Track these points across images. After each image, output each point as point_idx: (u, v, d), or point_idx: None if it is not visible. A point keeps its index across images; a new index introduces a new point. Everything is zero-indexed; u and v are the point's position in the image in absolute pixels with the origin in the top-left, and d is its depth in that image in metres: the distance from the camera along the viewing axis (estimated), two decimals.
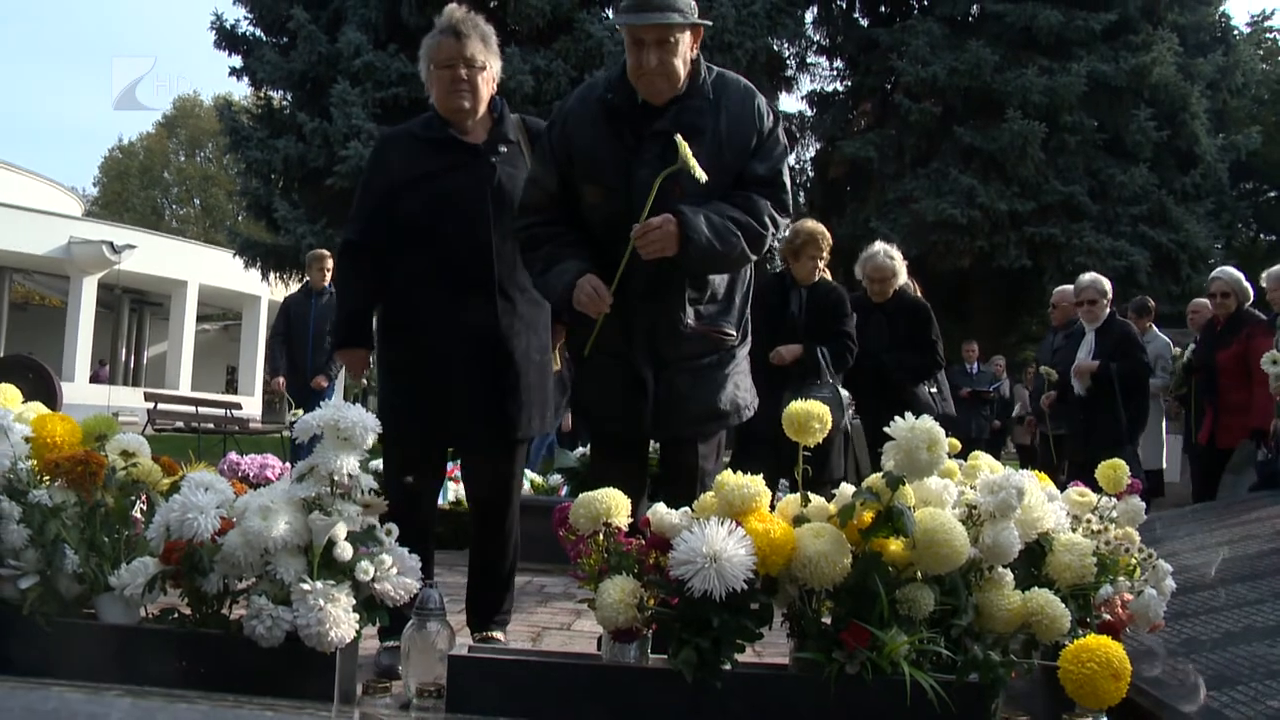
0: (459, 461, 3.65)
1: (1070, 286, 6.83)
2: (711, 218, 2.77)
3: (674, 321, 2.88)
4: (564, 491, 6.12)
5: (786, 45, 16.12)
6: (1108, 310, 6.41)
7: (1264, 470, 5.93)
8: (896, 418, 2.21)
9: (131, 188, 49.16)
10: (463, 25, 3.09)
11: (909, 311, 5.56)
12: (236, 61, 16.23)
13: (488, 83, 3.14)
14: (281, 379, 8.10)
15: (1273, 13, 32.26)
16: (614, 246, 2.83)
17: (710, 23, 3.04)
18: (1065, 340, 6.95)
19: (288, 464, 3.08)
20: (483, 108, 3.15)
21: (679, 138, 2.68)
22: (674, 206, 2.75)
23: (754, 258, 2.93)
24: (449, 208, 3.05)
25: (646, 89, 2.87)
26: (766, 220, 2.87)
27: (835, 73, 17.18)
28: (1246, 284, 6.47)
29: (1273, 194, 21.08)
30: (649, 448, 3.23)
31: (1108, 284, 6.47)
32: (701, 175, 2.66)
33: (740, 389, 3.03)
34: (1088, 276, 6.55)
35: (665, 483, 3.02)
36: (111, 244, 26.68)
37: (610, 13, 14.86)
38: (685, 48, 2.84)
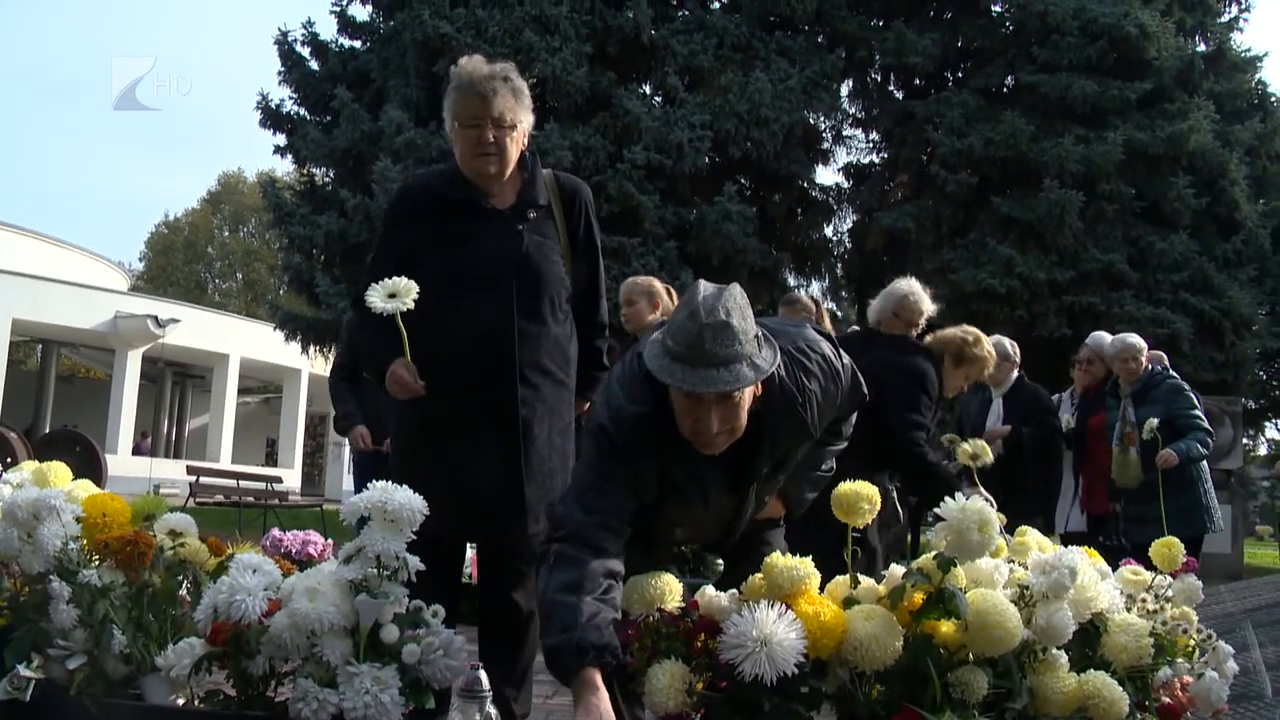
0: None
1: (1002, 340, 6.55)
2: (813, 478, 2.71)
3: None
4: None
5: (823, 119, 16.24)
6: (1014, 374, 6.37)
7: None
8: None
9: (176, 262, 50.07)
10: (490, 80, 2.78)
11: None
12: (280, 139, 16.58)
13: (517, 142, 2.86)
14: (363, 428, 5.96)
15: None
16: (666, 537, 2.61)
17: (772, 370, 2.31)
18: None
19: (330, 541, 3.06)
20: (511, 169, 2.89)
21: None
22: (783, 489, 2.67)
23: None
24: (468, 279, 2.82)
25: (710, 450, 2.33)
26: (849, 435, 2.79)
27: (871, 145, 17.26)
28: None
29: None
30: None
31: (1011, 345, 6.36)
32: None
33: None
34: (991, 339, 6.42)
35: (735, 569, 2.77)
36: (156, 318, 27.15)
37: (648, 88, 15.11)
38: (750, 392, 2.30)
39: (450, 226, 2.87)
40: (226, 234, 52.36)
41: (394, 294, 2.71)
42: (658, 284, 4.84)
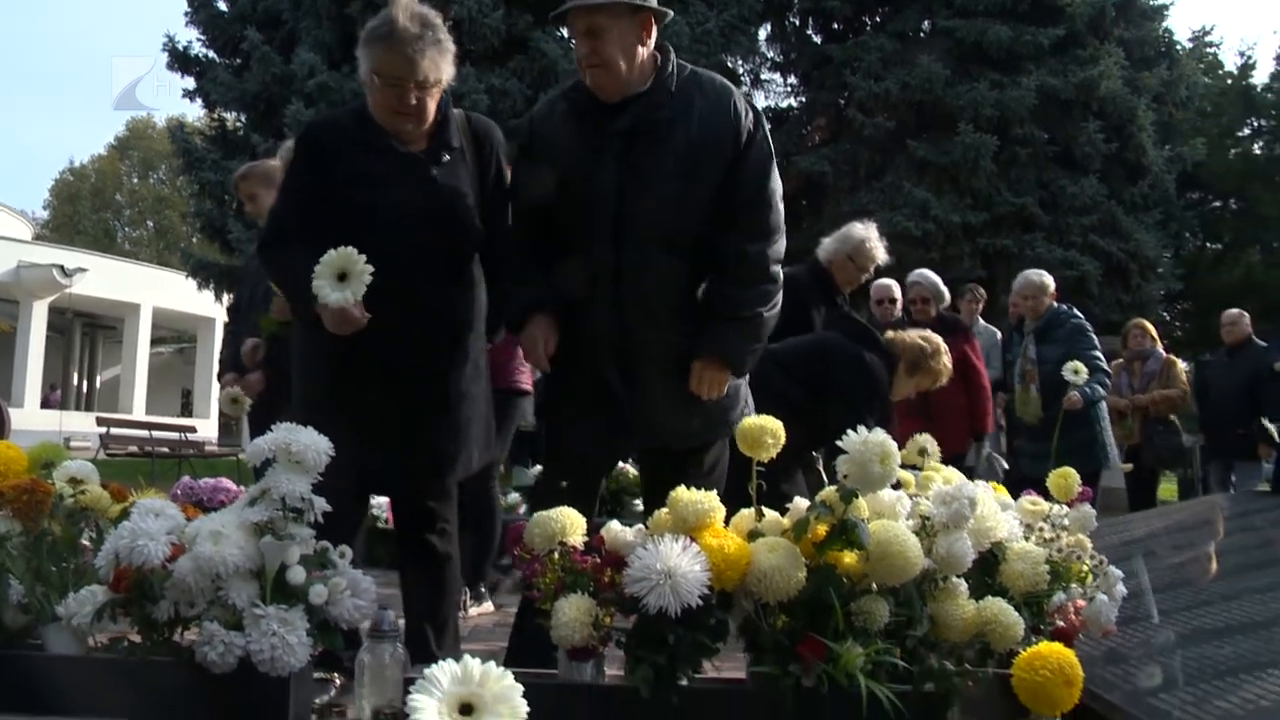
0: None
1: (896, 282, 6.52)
2: (738, 326, 2.76)
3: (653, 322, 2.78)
4: (522, 510, 6.10)
5: (741, 62, 16.21)
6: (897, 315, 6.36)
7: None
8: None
9: (83, 210, 48.58)
10: (419, 42, 2.65)
11: None
12: (190, 83, 16.12)
13: (436, 97, 2.77)
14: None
15: (1213, 28, 33.11)
16: (575, 246, 2.79)
17: (666, 11, 2.79)
18: None
19: (243, 488, 3.01)
20: (429, 123, 2.80)
21: None
22: (706, 350, 2.75)
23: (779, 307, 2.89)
24: (379, 223, 2.71)
25: (593, 85, 2.75)
26: (773, 271, 2.80)
27: (789, 89, 17.29)
28: (944, 288, 6.46)
29: (1217, 204, 21.45)
30: (605, 464, 3.11)
31: (896, 289, 6.40)
32: None
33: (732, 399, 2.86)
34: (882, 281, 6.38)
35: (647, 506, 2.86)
36: (62, 267, 26.36)
37: (565, 32, 14.93)
38: (627, 37, 2.68)
39: (361, 168, 2.76)
40: (136, 181, 50.87)
41: (344, 274, 2.57)
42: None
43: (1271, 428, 5.10)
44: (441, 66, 2.73)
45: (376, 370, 2.75)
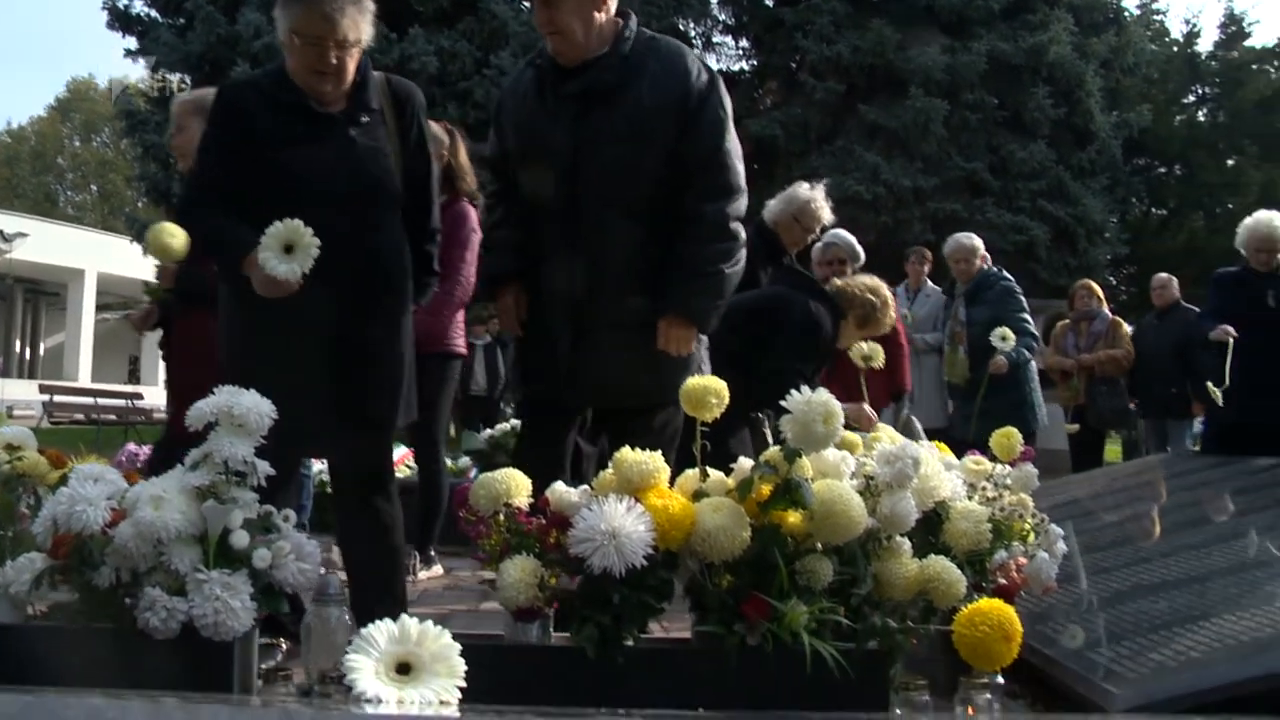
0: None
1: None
2: (700, 283, 2.81)
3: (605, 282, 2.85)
4: (473, 474, 6.08)
5: (693, 25, 16.16)
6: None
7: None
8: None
9: (22, 174, 47.54)
10: (336, 0, 2.62)
11: None
12: (131, 43, 15.79)
13: (356, 57, 2.73)
14: None
15: None
16: (538, 211, 2.90)
17: None
18: None
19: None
20: (348, 83, 2.76)
21: None
22: (670, 307, 2.80)
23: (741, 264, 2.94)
24: (300, 186, 2.68)
25: (553, 51, 2.87)
26: (732, 228, 2.86)
27: (741, 52, 17.28)
28: (859, 248, 6.21)
29: (1163, 169, 21.73)
30: (573, 422, 3.08)
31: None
32: None
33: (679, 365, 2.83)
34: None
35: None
36: (1, 232, 25.84)
37: None
38: (584, 4, 2.79)
39: (279, 130, 2.72)
40: (78, 144, 49.82)
41: (290, 246, 2.53)
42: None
43: (1217, 392, 5.17)
44: (361, 26, 2.69)
45: (304, 332, 2.71)
